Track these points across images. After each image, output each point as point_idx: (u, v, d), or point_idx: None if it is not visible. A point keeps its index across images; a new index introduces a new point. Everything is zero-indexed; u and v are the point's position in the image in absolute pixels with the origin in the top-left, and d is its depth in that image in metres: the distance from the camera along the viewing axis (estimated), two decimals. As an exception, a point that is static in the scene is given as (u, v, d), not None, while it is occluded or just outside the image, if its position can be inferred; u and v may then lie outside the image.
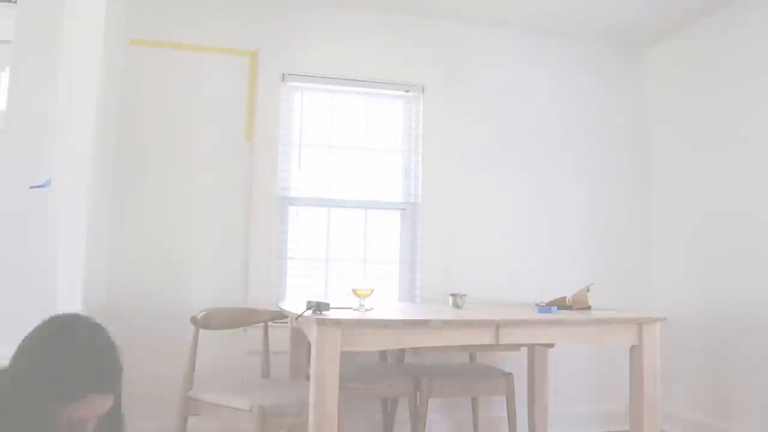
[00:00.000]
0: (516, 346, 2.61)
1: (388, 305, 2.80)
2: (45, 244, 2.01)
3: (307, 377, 2.66)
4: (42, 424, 1.16)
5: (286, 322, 2.83)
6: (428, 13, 3.48)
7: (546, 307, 2.57)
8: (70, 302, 2.47)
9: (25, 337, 1.24)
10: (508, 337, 2.19)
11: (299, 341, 2.72)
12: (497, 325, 2.18)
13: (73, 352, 1.20)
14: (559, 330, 2.31)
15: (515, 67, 3.66)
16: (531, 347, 3.09)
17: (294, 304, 2.62)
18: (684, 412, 3.37)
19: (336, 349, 1.98)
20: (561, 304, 2.69)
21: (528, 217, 3.57)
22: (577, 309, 2.63)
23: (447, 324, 2.15)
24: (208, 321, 2.54)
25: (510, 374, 2.85)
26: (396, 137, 3.51)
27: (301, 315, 2.10)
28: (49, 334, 1.23)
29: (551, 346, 2.99)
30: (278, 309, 2.74)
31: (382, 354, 3.16)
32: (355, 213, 3.40)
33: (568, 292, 2.78)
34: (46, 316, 1.27)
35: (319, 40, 3.39)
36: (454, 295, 2.74)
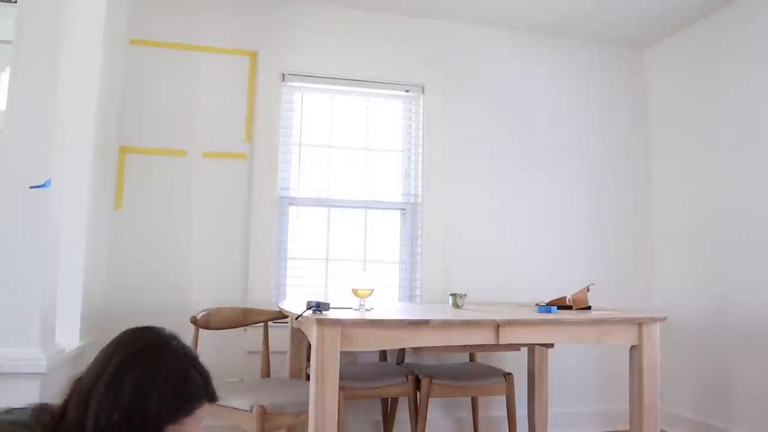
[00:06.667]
0: (516, 346, 2.61)
1: (388, 305, 2.80)
2: (45, 244, 2.01)
3: (307, 377, 2.67)
4: None
5: (286, 322, 2.83)
6: (428, 13, 3.48)
7: (546, 307, 2.57)
8: (70, 302, 2.48)
9: (104, 359, 1.06)
10: (508, 337, 2.19)
11: (299, 341, 2.72)
12: (497, 325, 2.18)
13: (178, 364, 1.09)
14: (559, 330, 2.31)
15: (515, 67, 3.66)
16: (531, 347, 3.09)
17: (294, 304, 2.62)
18: (684, 412, 3.37)
19: (336, 349, 1.98)
20: (561, 304, 2.69)
21: (528, 216, 3.57)
22: (577, 309, 2.63)
23: (447, 324, 2.15)
24: (208, 321, 2.54)
25: (510, 374, 2.86)
26: (396, 137, 3.51)
27: (301, 315, 2.10)
28: (141, 352, 1.06)
29: (551, 346, 2.99)
30: (278, 309, 2.74)
31: (382, 354, 3.16)
32: (355, 213, 3.39)
33: (568, 292, 2.78)
34: (111, 339, 1.09)
35: (319, 40, 3.39)
36: (454, 295, 2.74)
